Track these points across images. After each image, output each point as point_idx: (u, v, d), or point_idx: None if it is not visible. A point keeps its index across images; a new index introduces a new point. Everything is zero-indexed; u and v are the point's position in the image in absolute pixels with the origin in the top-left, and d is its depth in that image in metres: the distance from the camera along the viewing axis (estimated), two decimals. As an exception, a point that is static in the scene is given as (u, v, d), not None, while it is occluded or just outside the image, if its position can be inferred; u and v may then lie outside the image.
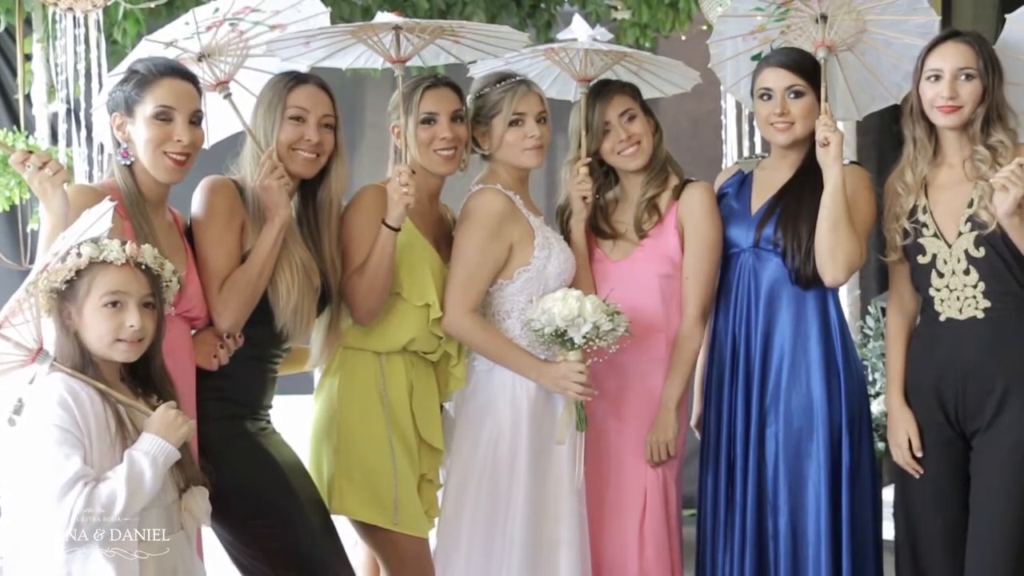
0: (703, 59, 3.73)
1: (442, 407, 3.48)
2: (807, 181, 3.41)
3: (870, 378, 5.40)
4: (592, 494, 3.42)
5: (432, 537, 3.41)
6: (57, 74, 5.21)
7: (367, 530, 3.33)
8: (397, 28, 3.25)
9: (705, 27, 5.76)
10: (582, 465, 3.35)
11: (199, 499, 2.71)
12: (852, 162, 3.59)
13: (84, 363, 2.58)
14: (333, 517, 3.27)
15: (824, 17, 3.36)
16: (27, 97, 5.35)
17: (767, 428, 3.43)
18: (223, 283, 3.05)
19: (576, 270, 3.48)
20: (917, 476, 3.32)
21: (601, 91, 3.54)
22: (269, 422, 3.23)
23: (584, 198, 3.52)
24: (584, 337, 3.25)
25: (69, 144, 5.26)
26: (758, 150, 5.43)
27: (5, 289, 3.00)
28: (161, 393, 2.69)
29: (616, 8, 6.10)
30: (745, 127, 5.71)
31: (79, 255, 2.57)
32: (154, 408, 2.62)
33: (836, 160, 3.29)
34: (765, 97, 3.44)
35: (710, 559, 3.51)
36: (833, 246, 3.31)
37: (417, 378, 3.36)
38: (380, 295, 3.26)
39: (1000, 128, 3.26)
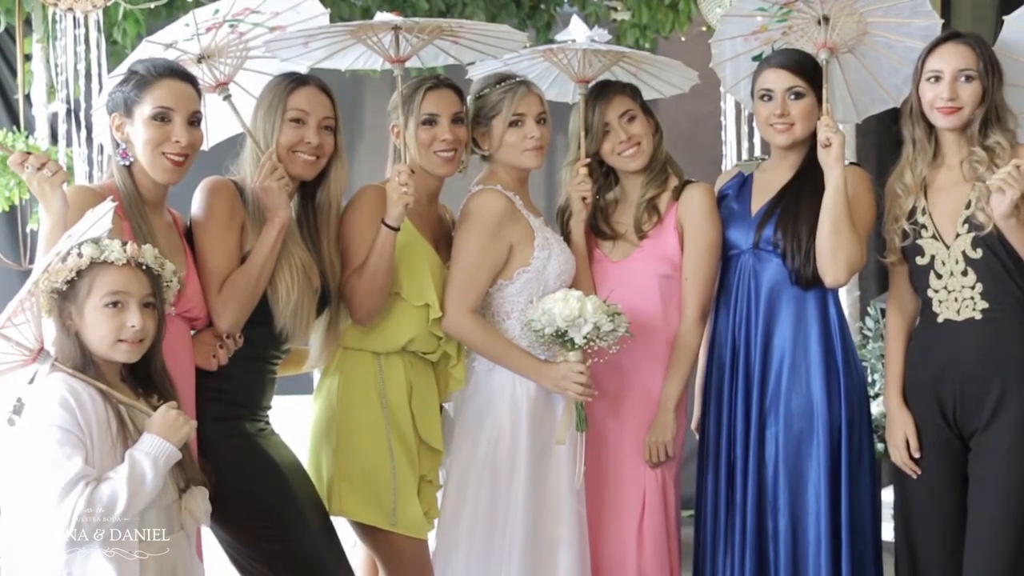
0: (702, 60, 3.73)
1: (442, 408, 3.48)
2: (807, 182, 3.41)
3: (870, 379, 5.40)
4: (591, 494, 3.42)
5: (431, 538, 3.41)
6: (57, 74, 5.21)
7: (366, 531, 3.32)
8: (396, 28, 3.24)
9: (704, 28, 5.76)
10: (583, 465, 3.35)
11: (199, 499, 2.71)
12: (852, 163, 3.59)
13: (85, 363, 2.59)
14: (332, 518, 3.26)
15: (826, 19, 3.36)
16: (27, 97, 5.34)
17: (767, 429, 3.43)
18: (223, 284, 3.05)
19: (576, 271, 3.48)
20: (915, 477, 3.33)
21: (601, 92, 3.54)
22: (268, 423, 3.23)
23: (584, 199, 3.52)
24: (585, 337, 3.25)
25: (69, 144, 5.26)
26: (758, 151, 5.44)
27: (5, 289, 3.00)
28: (162, 393, 2.69)
29: (616, 9, 6.11)
30: (745, 128, 5.70)
31: (80, 255, 2.57)
32: (155, 408, 2.62)
33: (838, 161, 3.29)
34: (765, 98, 3.44)
35: (710, 560, 3.51)
36: (834, 247, 3.31)
37: (416, 379, 3.36)
38: (380, 295, 3.26)
39: (998, 129, 3.26)
